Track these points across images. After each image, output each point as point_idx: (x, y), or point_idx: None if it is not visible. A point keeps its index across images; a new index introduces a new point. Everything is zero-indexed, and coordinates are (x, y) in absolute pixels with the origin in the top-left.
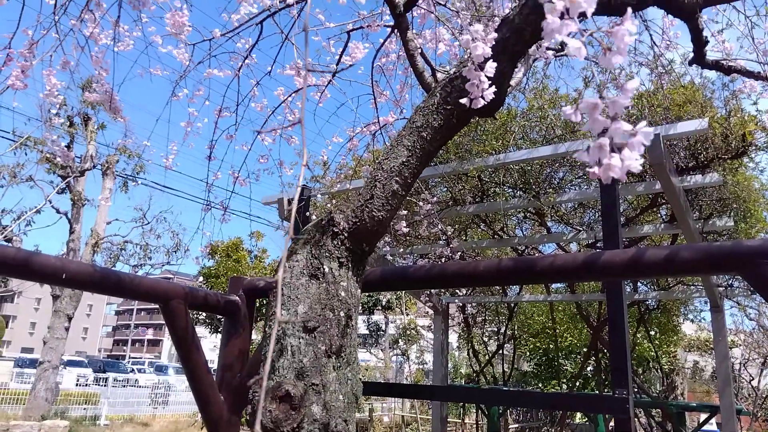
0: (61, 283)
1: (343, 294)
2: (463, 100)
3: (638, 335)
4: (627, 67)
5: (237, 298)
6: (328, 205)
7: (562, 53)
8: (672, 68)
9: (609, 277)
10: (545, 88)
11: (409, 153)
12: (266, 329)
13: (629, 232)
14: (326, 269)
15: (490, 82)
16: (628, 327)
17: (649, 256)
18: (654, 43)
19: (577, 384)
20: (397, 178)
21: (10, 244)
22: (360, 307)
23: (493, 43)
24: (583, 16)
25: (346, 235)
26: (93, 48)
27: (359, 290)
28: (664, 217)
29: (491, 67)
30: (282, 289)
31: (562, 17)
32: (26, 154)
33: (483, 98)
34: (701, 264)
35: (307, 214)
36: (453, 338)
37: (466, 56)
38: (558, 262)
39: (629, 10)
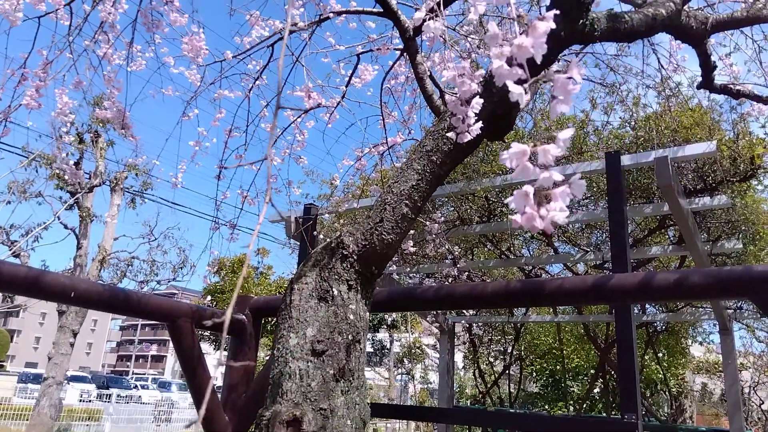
0: (70, 302)
1: (351, 317)
2: (450, 134)
3: (646, 357)
4: (635, 89)
5: (243, 317)
6: (336, 225)
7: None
8: (679, 91)
9: (618, 301)
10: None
11: (419, 177)
12: (274, 351)
13: (637, 253)
14: (335, 292)
15: (492, 116)
16: (636, 350)
17: (658, 280)
18: (661, 65)
19: (585, 406)
20: (407, 202)
21: (18, 260)
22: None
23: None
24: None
25: (355, 257)
26: (106, 68)
27: (368, 313)
28: (672, 238)
29: (477, 103)
30: (290, 311)
31: (510, 63)
32: (36, 171)
33: (469, 133)
34: (711, 289)
35: (315, 233)
36: (458, 357)
37: (452, 77)
38: (567, 285)
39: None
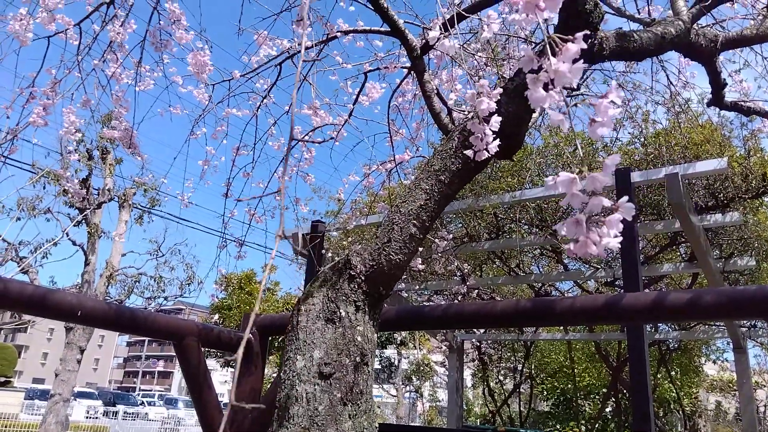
0: (77, 321)
1: (359, 339)
2: (468, 152)
3: (659, 376)
4: (644, 105)
5: (250, 335)
6: (344, 242)
7: (577, 93)
8: (689, 107)
9: (630, 321)
10: (560, 126)
11: (427, 196)
12: (281, 374)
13: (649, 270)
14: (342, 313)
15: (499, 135)
16: (649, 369)
17: (671, 299)
18: (670, 82)
19: (597, 426)
20: (414, 222)
21: (27, 276)
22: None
23: (512, 87)
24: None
25: (363, 278)
26: (114, 87)
27: (375, 335)
28: (683, 255)
29: (496, 121)
30: (297, 333)
31: (546, 88)
32: (45, 188)
33: (487, 151)
34: (725, 308)
35: (323, 251)
36: (467, 374)
37: (471, 95)
38: (578, 305)
39: (614, 83)
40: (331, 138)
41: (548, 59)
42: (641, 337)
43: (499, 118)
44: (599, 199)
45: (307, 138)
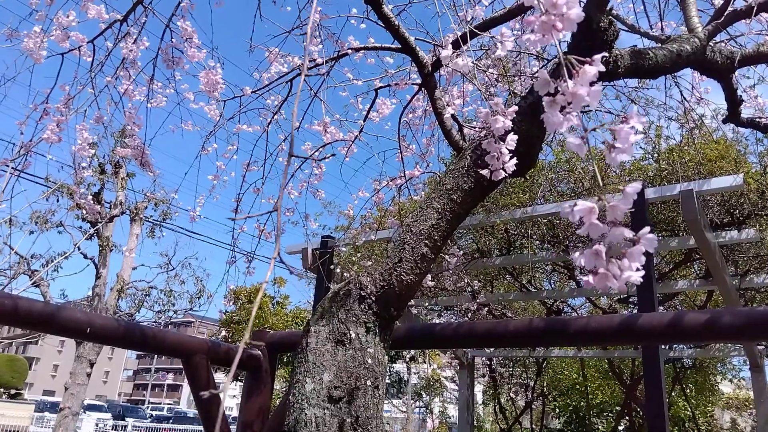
0: (86, 338)
1: (370, 361)
2: (484, 172)
3: (673, 394)
4: (656, 120)
5: (259, 352)
6: (353, 258)
7: (588, 109)
8: (702, 123)
9: (646, 342)
10: None
11: (439, 216)
12: (290, 396)
13: (663, 287)
14: (353, 335)
15: (516, 154)
16: (665, 389)
17: (687, 320)
18: (684, 98)
19: None
20: (426, 241)
21: (38, 289)
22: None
23: (525, 105)
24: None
25: (373, 299)
26: (127, 104)
27: (386, 357)
28: (698, 272)
29: (512, 140)
30: (307, 354)
31: (563, 111)
32: (58, 201)
33: (504, 170)
34: (743, 330)
35: (332, 267)
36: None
37: (485, 114)
38: (593, 324)
39: (634, 108)
40: (333, 155)
41: (565, 82)
42: (657, 359)
43: (516, 137)
44: (620, 230)
45: (309, 154)
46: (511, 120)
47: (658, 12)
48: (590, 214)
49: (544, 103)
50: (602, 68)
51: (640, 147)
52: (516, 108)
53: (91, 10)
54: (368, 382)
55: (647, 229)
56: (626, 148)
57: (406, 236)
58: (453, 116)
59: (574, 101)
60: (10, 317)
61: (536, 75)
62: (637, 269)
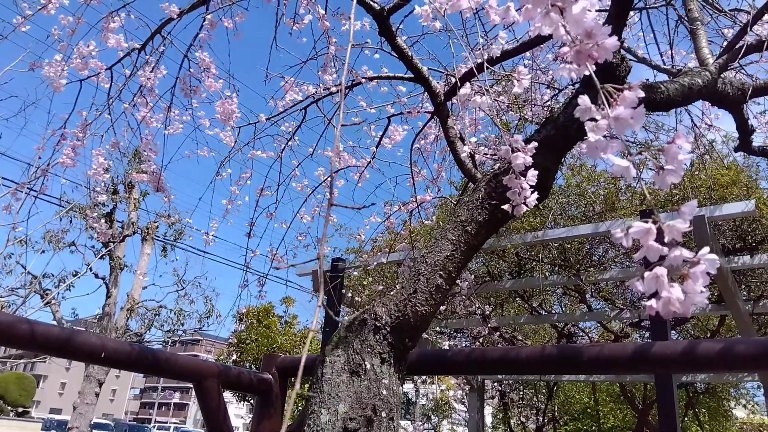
0: (100, 362)
1: (384, 392)
2: (505, 207)
3: (686, 419)
4: (665, 139)
5: (270, 376)
6: (364, 282)
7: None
8: (713, 148)
9: (659, 371)
10: (582, 165)
11: (454, 247)
12: (305, 428)
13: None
14: (368, 366)
15: (532, 188)
16: (678, 419)
17: (702, 349)
18: (694, 124)
19: None
20: (441, 272)
21: (49, 308)
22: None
23: (539, 138)
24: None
25: (388, 329)
26: (144, 131)
27: (401, 388)
28: (711, 296)
29: (533, 175)
30: (322, 385)
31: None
32: (71, 221)
33: (526, 205)
34: (759, 359)
35: (343, 291)
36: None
37: (505, 151)
38: (606, 353)
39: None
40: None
41: (604, 107)
42: (670, 387)
43: (536, 172)
44: (680, 251)
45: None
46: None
47: (668, 40)
48: (647, 236)
49: (587, 128)
50: (642, 94)
51: (650, 168)
52: (535, 144)
53: (111, 39)
54: (383, 414)
55: (707, 249)
56: (676, 169)
57: (421, 267)
58: (471, 155)
59: (618, 125)
60: (28, 342)
61: (547, 103)
62: (701, 291)
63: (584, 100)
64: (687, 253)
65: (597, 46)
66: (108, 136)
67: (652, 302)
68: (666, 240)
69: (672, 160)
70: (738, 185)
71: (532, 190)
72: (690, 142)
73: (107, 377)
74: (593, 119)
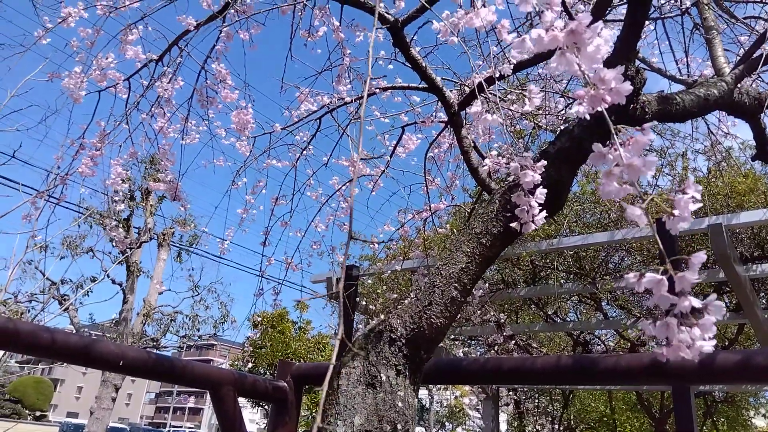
0: (119, 371)
1: (400, 405)
2: (513, 225)
3: (705, 429)
4: (681, 149)
5: (285, 384)
6: (378, 290)
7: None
8: (730, 155)
9: (677, 383)
10: (598, 172)
11: (469, 259)
12: None
13: None
14: (383, 378)
15: (546, 200)
16: (696, 425)
17: (720, 360)
18: (710, 131)
19: None
20: (456, 285)
21: (67, 314)
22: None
23: (554, 151)
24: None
25: (403, 341)
26: (161, 140)
27: (416, 400)
28: (728, 304)
29: (541, 193)
30: (338, 396)
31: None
32: (91, 227)
33: (534, 223)
34: None
35: (357, 299)
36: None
37: (514, 168)
38: (623, 363)
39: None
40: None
41: (616, 150)
42: (688, 400)
43: (545, 191)
44: (689, 300)
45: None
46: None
47: (683, 48)
48: (659, 286)
49: (601, 175)
50: (653, 137)
51: (668, 179)
52: (544, 163)
53: (129, 51)
54: (398, 426)
55: (714, 296)
56: (685, 217)
57: (436, 279)
58: (479, 153)
59: (630, 172)
60: (49, 350)
61: (561, 112)
62: (709, 339)
63: (597, 147)
64: (696, 303)
65: (611, 90)
66: (126, 146)
67: (663, 349)
68: (676, 290)
69: (682, 209)
70: (756, 193)
71: (546, 201)
72: (706, 150)
73: (124, 382)
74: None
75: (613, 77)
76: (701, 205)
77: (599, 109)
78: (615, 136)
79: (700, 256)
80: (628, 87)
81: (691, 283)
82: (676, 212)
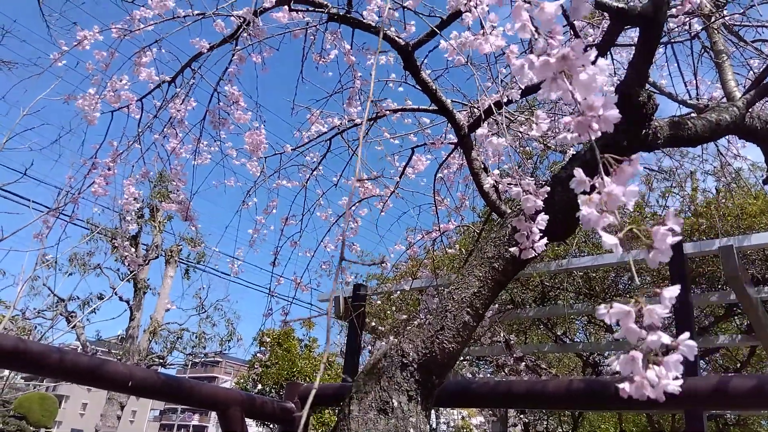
0: (128, 391)
1: (412, 431)
2: (513, 250)
3: None
4: (691, 170)
5: (292, 405)
6: (387, 311)
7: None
8: (739, 176)
9: (690, 407)
10: None
11: (481, 284)
12: None
13: (704, 342)
14: (395, 403)
15: (560, 224)
16: None
17: (734, 386)
18: (720, 152)
19: None
20: (468, 309)
21: (74, 331)
22: None
23: (565, 176)
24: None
25: (415, 366)
26: (173, 161)
27: (428, 426)
28: (739, 325)
29: (543, 219)
30: (350, 422)
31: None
32: (96, 243)
33: (534, 249)
34: None
35: (365, 319)
36: None
37: (516, 193)
38: None
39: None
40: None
41: (602, 179)
42: (700, 415)
43: (546, 217)
44: (658, 336)
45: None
46: (549, 189)
47: (693, 70)
48: (627, 318)
49: (579, 201)
50: (640, 169)
51: (677, 200)
52: (547, 189)
53: (143, 72)
54: None
55: (687, 335)
56: (664, 251)
57: (448, 304)
58: (495, 187)
59: (610, 201)
60: (58, 370)
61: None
62: (675, 378)
63: (579, 173)
64: (666, 339)
65: (599, 117)
66: (138, 166)
67: (625, 385)
68: (645, 324)
69: (660, 242)
70: (767, 215)
71: (559, 225)
72: (716, 170)
73: (129, 399)
74: (586, 192)
75: (601, 104)
76: (679, 238)
77: (591, 137)
78: (601, 164)
79: (673, 290)
80: (615, 114)
81: (660, 317)
82: (655, 245)
